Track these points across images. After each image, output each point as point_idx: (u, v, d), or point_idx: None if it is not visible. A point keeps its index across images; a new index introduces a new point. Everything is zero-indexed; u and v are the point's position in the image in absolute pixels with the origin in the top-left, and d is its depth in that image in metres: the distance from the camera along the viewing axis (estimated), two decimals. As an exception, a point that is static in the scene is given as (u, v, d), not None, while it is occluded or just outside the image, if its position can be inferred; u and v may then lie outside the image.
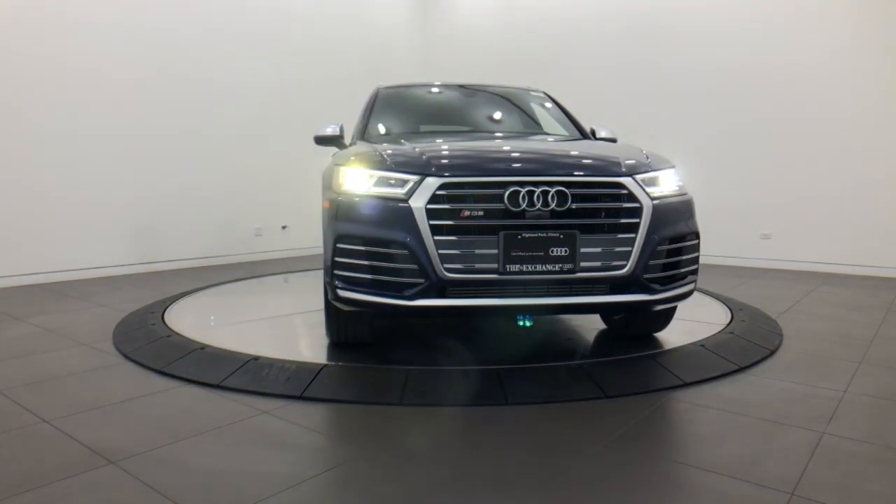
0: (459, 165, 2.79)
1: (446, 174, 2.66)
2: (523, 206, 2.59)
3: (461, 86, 4.60)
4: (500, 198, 2.60)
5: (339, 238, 2.76)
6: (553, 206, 2.61)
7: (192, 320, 3.87)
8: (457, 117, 4.34)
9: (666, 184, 2.94)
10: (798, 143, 6.43)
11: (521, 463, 2.02)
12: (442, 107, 4.50)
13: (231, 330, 3.66)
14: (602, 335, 3.58)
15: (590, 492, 1.83)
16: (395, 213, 2.63)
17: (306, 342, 3.47)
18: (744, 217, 6.78)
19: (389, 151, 2.96)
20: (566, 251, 2.61)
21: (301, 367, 2.86)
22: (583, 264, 2.63)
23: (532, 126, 4.27)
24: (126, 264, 6.07)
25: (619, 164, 2.83)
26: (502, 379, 2.71)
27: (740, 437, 2.22)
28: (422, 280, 2.59)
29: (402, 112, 4.34)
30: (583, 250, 2.63)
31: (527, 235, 2.59)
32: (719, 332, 3.52)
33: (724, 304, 4.36)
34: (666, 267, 2.83)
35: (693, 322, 3.86)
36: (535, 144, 3.43)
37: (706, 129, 6.99)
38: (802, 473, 1.94)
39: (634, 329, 3.41)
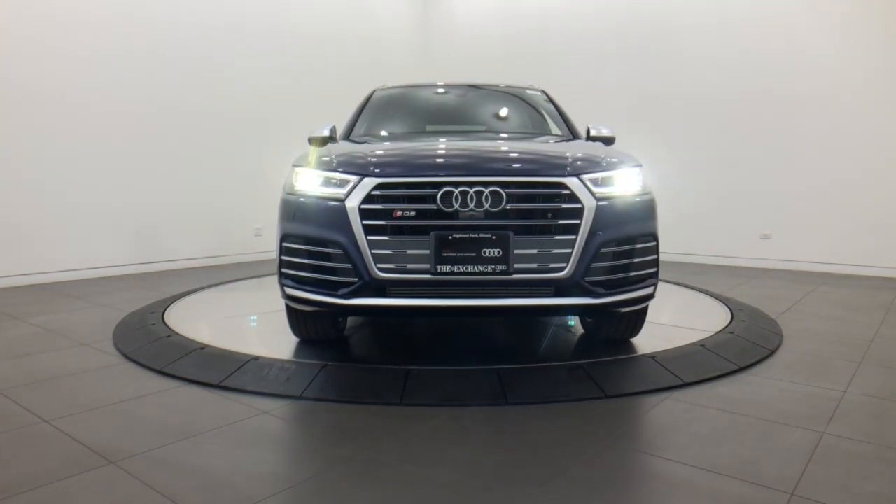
0: (397, 165, 2.83)
1: (383, 175, 2.69)
2: (456, 206, 2.59)
3: (457, 86, 4.60)
4: (433, 198, 2.62)
5: (284, 237, 2.88)
6: (487, 206, 2.59)
7: (192, 320, 3.87)
8: (446, 118, 4.35)
9: (622, 184, 2.85)
10: (798, 143, 6.43)
11: (521, 463, 2.02)
12: (433, 107, 4.50)
13: (231, 330, 3.66)
14: (601, 336, 3.57)
15: (590, 492, 1.83)
16: (333, 212, 2.69)
17: (305, 342, 3.47)
18: (744, 217, 6.79)
19: (338, 152, 3.01)
20: (499, 252, 2.57)
21: (301, 367, 2.86)
22: (518, 266, 2.59)
23: (521, 125, 4.24)
24: (126, 264, 6.07)
25: (563, 165, 2.77)
26: (502, 379, 2.71)
27: (740, 437, 2.22)
28: (356, 279, 2.64)
29: (392, 113, 4.37)
30: (518, 252, 2.58)
31: (458, 236, 2.58)
32: (719, 332, 3.52)
33: (724, 304, 4.36)
34: (612, 270, 2.72)
35: (693, 322, 3.87)
36: (488, 144, 3.33)
37: (706, 128, 6.99)
38: (802, 473, 1.94)
39: (604, 333, 3.28)
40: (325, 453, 2.09)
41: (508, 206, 2.60)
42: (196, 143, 6.58)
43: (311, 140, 3.81)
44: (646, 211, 2.91)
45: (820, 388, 2.76)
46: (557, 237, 2.62)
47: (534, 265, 2.60)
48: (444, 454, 2.09)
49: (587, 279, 2.64)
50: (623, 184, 2.85)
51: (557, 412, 2.46)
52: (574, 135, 4.00)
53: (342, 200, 2.68)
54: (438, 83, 4.72)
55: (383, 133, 4.11)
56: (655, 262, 2.92)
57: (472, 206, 2.59)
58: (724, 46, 6.82)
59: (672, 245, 7.21)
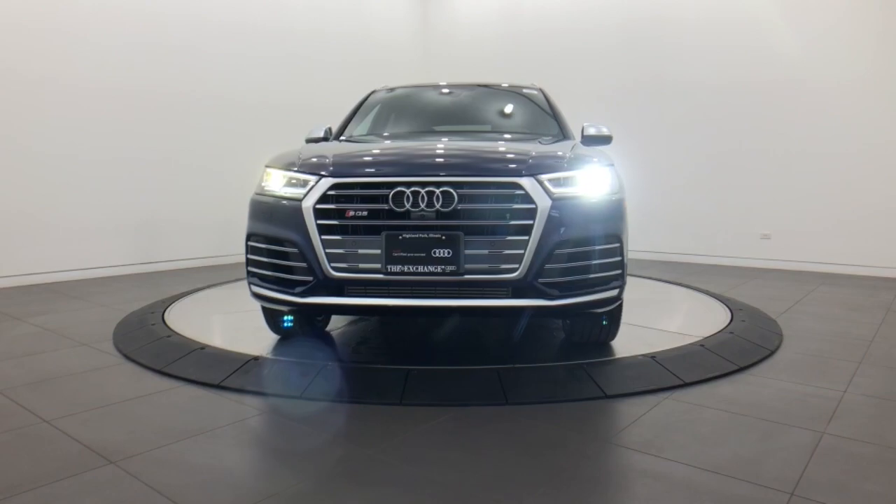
0: (353, 166, 2.85)
1: (338, 175, 2.72)
2: (407, 206, 2.60)
3: (452, 86, 4.61)
4: (385, 198, 2.62)
5: (249, 236, 2.99)
6: (438, 206, 2.58)
7: (192, 320, 3.87)
8: (439, 119, 4.37)
9: (586, 184, 2.77)
10: (798, 144, 6.43)
11: (521, 463, 2.02)
12: (426, 108, 4.51)
13: (231, 330, 3.66)
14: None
15: (590, 492, 1.83)
16: (290, 212, 2.73)
17: (306, 342, 3.47)
18: (744, 217, 6.79)
19: (304, 153, 3.05)
20: (449, 253, 2.55)
21: (301, 367, 2.86)
22: (469, 266, 2.57)
23: (512, 124, 4.22)
24: (126, 264, 6.07)
25: (520, 164, 2.73)
26: (502, 379, 2.71)
27: (740, 437, 2.22)
28: (310, 278, 2.68)
29: (386, 114, 4.42)
30: (469, 252, 2.56)
31: (408, 236, 2.58)
32: (719, 332, 3.52)
33: (724, 304, 4.36)
34: (568, 272, 2.64)
35: (693, 322, 3.87)
36: (449, 144, 3.31)
37: (707, 128, 6.99)
38: (802, 473, 1.94)
39: (578, 337, 3.23)
40: (325, 453, 2.09)
41: (460, 207, 2.59)
42: (196, 143, 6.58)
43: (307, 141, 3.85)
44: (609, 212, 2.80)
45: (820, 388, 2.76)
46: (509, 238, 2.58)
47: (485, 266, 2.58)
48: (444, 454, 2.09)
49: (540, 281, 2.58)
50: (587, 184, 2.77)
51: (557, 412, 2.46)
52: (564, 134, 3.95)
53: (300, 200, 2.73)
54: (434, 84, 4.74)
55: (370, 134, 4.14)
56: (619, 265, 2.80)
57: (423, 206, 2.58)
58: (724, 46, 6.82)
59: (672, 245, 7.23)
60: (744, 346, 3.28)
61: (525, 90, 4.46)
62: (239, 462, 2.03)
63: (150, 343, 3.34)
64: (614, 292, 2.79)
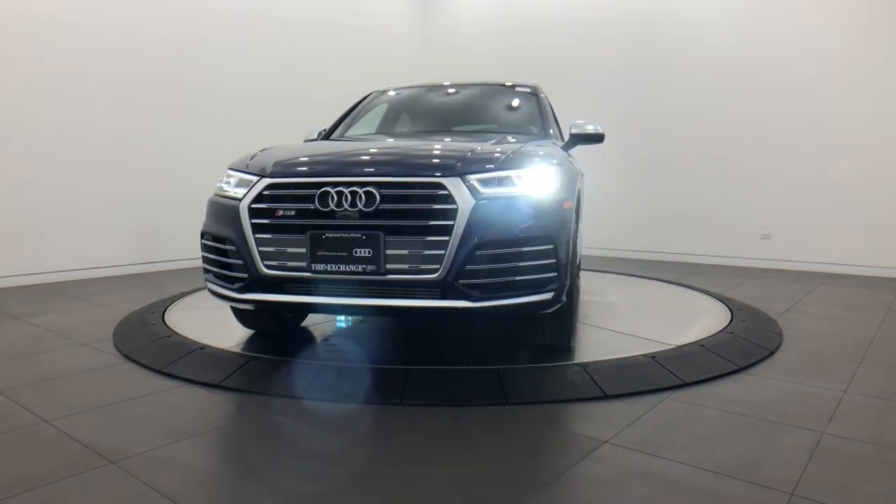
0: (287, 166, 2.88)
1: (273, 175, 2.79)
2: (332, 206, 2.64)
3: (447, 86, 4.63)
4: (311, 198, 2.68)
5: (202, 234, 3.09)
6: (360, 206, 2.61)
7: (192, 320, 3.87)
8: (425, 119, 4.40)
9: (521, 184, 2.71)
10: (798, 144, 6.43)
11: (521, 463, 2.02)
12: (415, 109, 4.55)
13: (231, 330, 3.65)
14: (601, 336, 3.58)
15: (590, 492, 1.83)
16: (231, 211, 2.83)
17: (306, 342, 3.47)
18: (744, 217, 6.79)
19: (259, 154, 3.15)
20: (369, 252, 2.59)
21: (301, 367, 2.86)
22: (391, 266, 2.58)
23: (492, 123, 4.20)
24: (126, 264, 6.07)
25: (446, 164, 2.70)
26: (502, 379, 2.71)
27: (740, 437, 2.22)
28: (245, 275, 2.78)
29: (376, 115, 4.50)
30: (390, 252, 2.58)
31: (330, 235, 2.63)
32: (719, 332, 3.52)
33: (724, 304, 4.36)
34: (491, 273, 2.59)
35: (693, 322, 3.87)
36: (387, 145, 3.38)
37: (707, 127, 6.99)
38: (802, 473, 1.94)
39: (531, 340, 3.17)
40: (326, 453, 2.09)
41: (381, 207, 2.60)
42: (196, 144, 6.58)
43: (305, 141, 3.88)
44: (542, 212, 2.71)
45: (820, 388, 2.76)
46: (429, 238, 2.56)
47: (406, 266, 2.58)
48: (444, 454, 2.09)
49: (461, 282, 2.55)
50: (522, 184, 2.71)
51: (557, 412, 2.46)
52: (544, 132, 3.88)
53: (240, 200, 2.83)
54: (430, 84, 4.76)
55: (358, 135, 4.23)
56: (553, 267, 2.69)
57: (346, 206, 2.62)
58: (726, 46, 6.82)
59: (672, 245, 7.23)
60: (744, 346, 3.28)
61: (518, 88, 4.41)
62: (239, 462, 2.03)
63: (150, 343, 3.34)
64: (548, 296, 2.69)
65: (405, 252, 2.58)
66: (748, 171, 6.74)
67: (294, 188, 2.76)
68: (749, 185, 6.74)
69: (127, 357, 3.21)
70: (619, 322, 3.93)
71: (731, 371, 2.95)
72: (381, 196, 2.61)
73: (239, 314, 3.46)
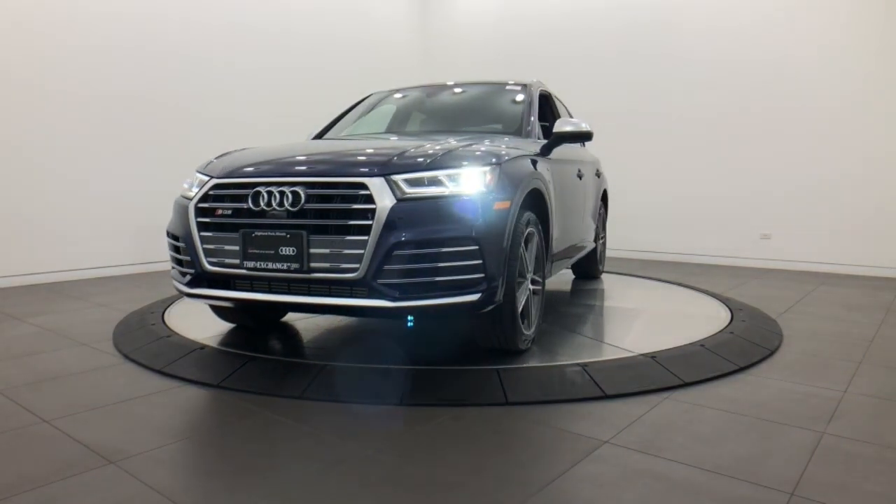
0: (234, 167, 2.98)
1: (219, 176, 2.93)
2: (262, 206, 2.73)
3: (440, 86, 4.64)
4: (245, 198, 2.78)
5: (166, 233, 3.19)
6: (287, 206, 2.68)
7: (192, 320, 3.87)
8: (416, 118, 4.44)
9: (451, 183, 2.69)
10: (799, 143, 6.43)
11: (521, 463, 2.02)
12: (406, 109, 4.58)
13: (231, 330, 3.66)
14: (601, 336, 3.58)
15: (590, 492, 1.83)
16: (183, 210, 2.98)
17: (306, 342, 3.47)
18: (744, 217, 6.79)
19: (222, 155, 3.29)
20: (293, 251, 2.65)
21: (301, 368, 2.86)
22: (315, 265, 2.63)
23: (475, 122, 4.17)
24: (126, 264, 6.07)
25: (372, 165, 2.73)
26: (502, 379, 2.71)
27: (740, 437, 2.22)
28: (192, 270, 2.92)
29: (371, 116, 4.53)
30: (314, 251, 2.63)
31: (259, 234, 2.72)
32: (719, 332, 3.52)
33: (724, 304, 4.36)
34: (410, 273, 2.58)
35: (693, 322, 3.87)
36: (338, 144, 3.42)
37: (706, 127, 6.99)
38: (802, 473, 1.94)
39: (481, 342, 3.09)
40: (325, 453, 2.09)
41: (306, 206, 2.67)
42: (196, 144, 6.57)
43: (275, 145, 3.91)
44: (468, 212, 2.65)
45: (820, 388, 2.76)
46: (350, 238, 2.60)
47: (328, 265, 2.63)
48: (445, 454, 2.09)
49: (380, 281, 2.56)
50: (452, 184, 2.69)
51: (557, 412, 2.46)
52: (521, 130, 3.78)
53: (191, 199, 2.96)
54: (425, 85, 4.77)
55: (343, 135, 4.31)
56: (480, 269, 2.64)
57: (275, 206, 2.71)
58: (724, 46, 6.82)
59: (672, 245, 7.23)
60: (744, 346, 3.28)
61: (508, 87, 4.34)
62: (238, 462, 2.03)
63: (149, 343, 3.34)
64: (475, 297, 2.64)
65: (327, 251, 2.62)
66: (748, 171, 6.74)
67: (233, 188, 2.86)
68: (749, 185, 6.74)
69: (127, 357, 3.21)
70: (618, 322, 3.93)
71: (731, 371, 2.95)
72: (307, 196, 2.68)
73: (215, 309, 3.55)
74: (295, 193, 2.68)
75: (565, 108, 5.14)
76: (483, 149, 3.00)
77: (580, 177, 4.44)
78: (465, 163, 2.78)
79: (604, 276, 5.76)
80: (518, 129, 3.80)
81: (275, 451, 2.11)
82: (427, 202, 2.63)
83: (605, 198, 5.76)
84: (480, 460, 2.04)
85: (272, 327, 3.76)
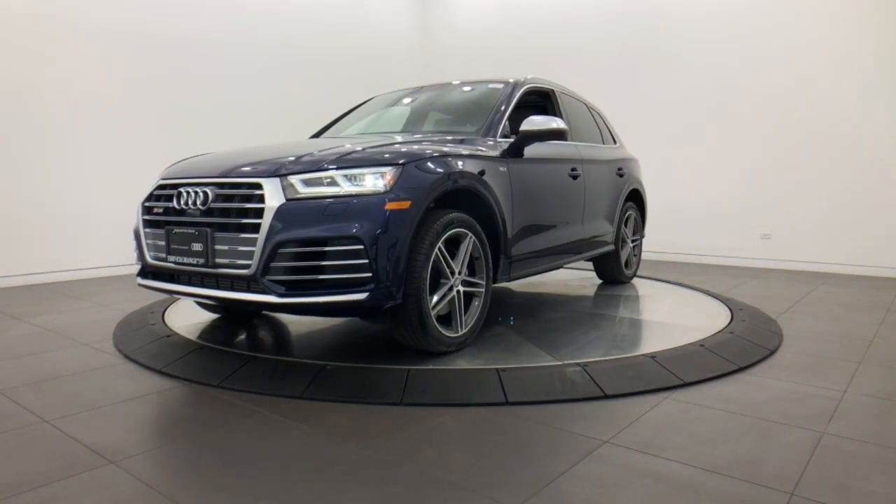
0: (175, 169, 3.27)
1: (164, 177, 3.18)
2: (181, 204, 2.93)
3: (434, 86, 4.64)
4: (172, 197, 3.01)
5: None
6: (198, 205, 2.87)
7: (192, 320, 3.87)
8: (395, 120, 4.45)
9: (345, 183, 2.74)
10: (799, 143, 6.43)
11: (521, 463, 2.02)
12: (396, 110, 4.57)
13: (231, 330, 3.66)
14: (600, 335, 3.58)
15: (590, 492, 1.83)
16: (138, 208, 3.25)
17: (306, 342, 3.47)
18: (744, 217, 6.79)
19: (182, 159, 3.48)
20: (201, 247, 2.84)
21: (301, 367, 2.86)
22: (218, 261, 2.80)
23: (456, 121, 4.15)
24: (126, 264, 6.06)
25: (269, 165, 2.84)
26: (502, 379, 2.71)
27: (740, 437, 2.22)
28: (141, 263, 3.21)
29: (366, 117, 4.54)
30: (218, 248, 2.80)
31: (177, 231, 2.94)
32: (719, 332, 3.52)
33: (724, 304, 4.36)
34: (294, 270, 2.66)
35: (693, 322, 3.87)
36: (249, 147, 3.52)
37: (706, 127, 7.00)
38: (802, 473, 1.94)
39: (399, 340, 3.09)
40: (325, 453, 2.09)
41: (212, 205, 2.84)
42: (196, 145, 6.57)
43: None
44: (356, 212, 2.68)
45: (820, 388, 2.76)
46: (244, 235, 2.73)
47: (227, 261, 2.78)
48: (445, 454, 2.09)
49: (268, 278, 2.67)
50: (346, 183, 2.74)
51: (557, 412, 2.46)
52: (486, 129, 3.68)
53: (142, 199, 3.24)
54: (420, 86, 4.76)
55: (331, 137, 4.34)
56: (367, 267, 2.66)
57: (190, 204, 2.90)
58: (724, 46, 6.82)
59: (672, 245, 7.23)
60: (744, 346, 3.28)
61: (490, 85, 4.24)
62: (239, 462, 2.03)
63: (149, 343, 3.34)
64: (362, 296, 2.66)
65: (226, 248, 2.78)
66: (748, 171, 6.74)
67: (167, 189, 3.08)
68: (749, 184, 6.74)
69: (127, 357, 3.21)
70: (618, 322, 3.93)
71: (731, 371, 2.95)
72: (213, 196, 2.85)
73: (196, 301, 3.76)
74: (205, 193, 2.87)
75: (585, 104, 5.02)
76: (388, 150, 3.02)
77: (575, 176, 4.27)
78: (363, 164, 2.84)
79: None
80: (480, 130, 3.69)
81: (275, 451, 2.11)
82: (315, 202, 2.70)
83: (635, 198, 5.43)
84: (480, 460, 2.04)
85: (273, 325, 3.76)
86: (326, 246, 2.65)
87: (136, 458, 2.04)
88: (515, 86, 4.09)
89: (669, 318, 4.08)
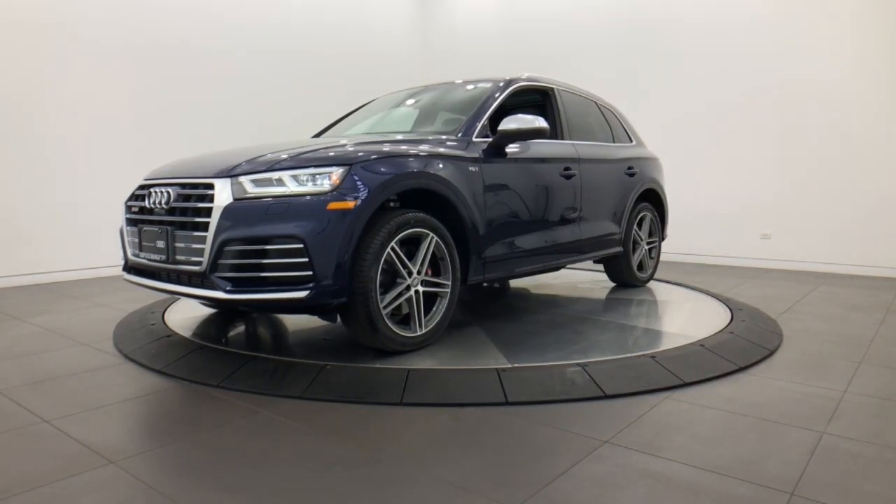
0: (155, 171, 3.39)
1: (144, 179, 3.30)
2: (150, 204, 3.09)
3: (430, 87, 4.63)
4: (144, 197, 3.17)
5: None
6: (162, 204, 3.02)
7: (192, 320, 3.87)
8: (387, 121, 4.46)
9: (289, 184, 2.79)
10: (799, 143, 6.43)
11: (521, 463, 2.02)
12: (391, 111, 4.57)
13: (231, 330, 3.66)
14: (601, 335, 3.58)
15: (590, 492, 1.83)
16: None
17: (306, 342, 3.47)
18: (744, 217, 6.79)
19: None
20: (163, 244, 2.99)
21: (301, 367, 2.86)
22: (178, 257, 2.93)
23: (440, 121, 4.14)
24: (126, 264, 6.07)
25: (223, 165, 2.93)
26: (502, 379, 2.71)
27: (740, 437, 2.22)
28: (125, 259, 3.36)
29: (363, 119, 4.55)
30: (177, 245, 2.93)
31: (146, 229, 3.11)
32: (719, 332, 3.52)
33: (724, 303, 4.36)
34: (238, 268, 2.75)
35: (693, 322, 3.87)
36: (243, 146, 3.56)
37: (706, 127, 6.99)
38: (802, 473, 1.94)
39: (354, 336, 3.12)
40: (325, 453, 2.09)
41: (173, 205, 2.97)
42: (196, 145, 6.58)
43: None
44: (297, 211, 2.73)
45: (820, 388, 2.76)
46: (196, 233, 2.84)
47: (183, 257, 2.91)
48: (444, 454, 2.09)
49: (215, 275, 2.78)
50: (293, 184, 2.79)
51: (557, 412, 2.46)
52: (462, 131, 3.60)
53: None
54: (417, 87, 4.77)
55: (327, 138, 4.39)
56: (306, 266, 2.70)
57: (157, 204, 3.05)
58: (725, 46, 6.82)
59: (672, 245, 7.22)
60: (744, 346, 3.28)
61: (479, 84, 4.19)
62: (239, 462, 2.03)
63: (149, 343, 3.35)
64: (302, 294, 2.71)
65: (182, 245, 2.90)
66: (748, 171, 6.74)
67: (143, 189, 3.22)
68: (749, 185, 6.74)
69: (127, 357, 3.21)
70: (618, 322, 3.92)
71: (731, 371, 2.95)
72: (175, 195, 2.99)
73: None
74: (168, 193, 3.01)
75: (595, 102, 4.93)
76: (339, 151, 3.02)
77: (569, 176, 4.14)
78: (311, 164, 2.88)
79: (603, 276, 5.65)
80: (457, 130, 3.64)
81: (275, 451, 2.11)
82: (260, 201, 2.77)
83: (651, 198, 5.26)
84: (480, 460, 2.04)
85: (273, 325, 3.76)
86: (268, 244, 2.73)
87: (136, 458, 2.04)
88: (503, 85, 4.01)
89: (670, 317, 4.09)
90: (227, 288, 2.75)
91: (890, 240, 5.98)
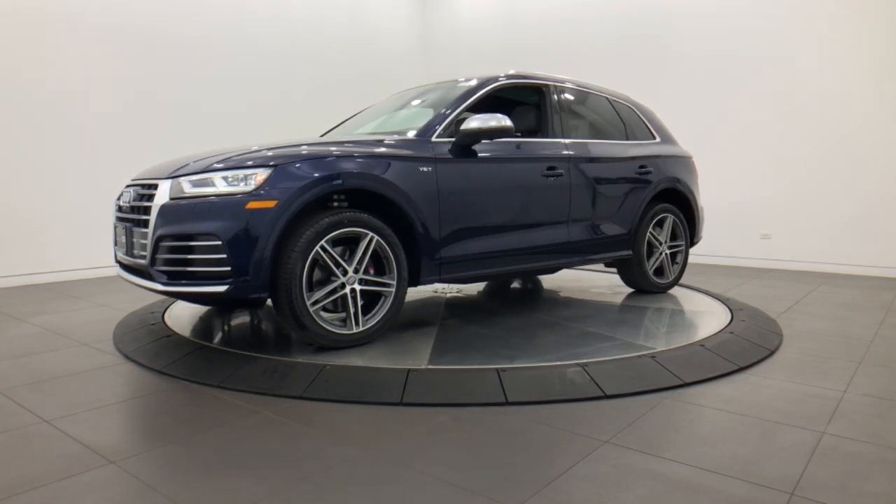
0: (139, 172, 3.58)
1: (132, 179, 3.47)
2: (122, 203, 3.37)
3: (423, 87, 4.62)
4: (121, 196, 3.42)
5: None
6: (128, 203, 3.28)
7: (192, 320, 3.87)
8: (380, 121, 4.42)
9: (218, 184, 2.96)
10: (799, 143, 6.43)
11: (521, 463, 2.02)
12: (387, 111, 4.54)
13: (231, 330, 3.66)
14: (601, 335, 3.58)
15: (590, 492, 1.83)
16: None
17: (306, 342, 3.47)
18: (744, 217, 6.79)
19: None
20: (125, 240, 3.28)
21: (301, 367, 2.86)
22: (136, 252, 3.18)
23: (414, 123, 4.01)
24: (126, 264, 6.07)
25: (171, 168, 3.15)
26: (502, 379, 2.71)
27: (740, 437, 2.22)
28: (115, 256, 3.57)
29: (361, 120, 4.54)
30: (135, 241, 3.18)
31: (117, 226, 3.42)
32: (719, 332, 3.52)
33: (724, 303, 4.36)
34: (169, 262, 2.99)
35: (693, 322, 3.87)
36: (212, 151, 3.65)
37: (706, 127, 6.99)
38: (802, 473, 1.94)
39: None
40: (326, 453, 2.09)
41: (133, 204, 3.23)
42: (196, 146, 6.57)
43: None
44: (217, 210, 2.89)
45: (820, 388, 2.76)
46: (143, 230, 3.08)
47: (139, 252, 3.15)
48: (445, 454, 2.09)
49: (154, 268, 3.01)
50: (222, 184, 2.96)
51: (557, 412, 2.46)
52: (423, 131, 3.57)
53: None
54: (421, 86, 4.75)
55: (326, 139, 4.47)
56: (225, 262, 2.85)
57: (124, 203, 3.32)
58: (725, 47, 6.82)
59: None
60: (744, 346, 3.28)
61: (459, 84, 4.12)
62: (239, 462, 2.03)
63: (149, 343, 3.35)
64: (222, 288, 2.87)
65: (136, 241, 3.17)
66: (748, 171, 6.74)
67: (125, 189, 3.42)
68: (749, 184, 6.74)
69: (127, 357, 3.21)
70: (619, 322, 3.92)
71: (731, 371, 2.95)
72: (135, 195, 3.23)
73: None
74: (132, 193, 3.26)
75: (606, 97, 4.75)
76: (270, 153, 3.10)
77: (555, 175, 3.97)
78: (239, 166, 3.01)
79: (603, 276, 5.65)
80: (419, 130, 3.59)
81: (275, 452, 2.11)
82: (189, 201, 2.97)
83: (675, 198, 5.00)
84: (480, 460, 2.04)
85: (274, 325, 3.76)
86: (192, 241, 2.92)
87: (136, 458, 2.04)
88: (476, 85, 3.90)
89: (669, 317, 4.08)
90: (163, 280, 2.99)
91: (889, 240, 5.98)
